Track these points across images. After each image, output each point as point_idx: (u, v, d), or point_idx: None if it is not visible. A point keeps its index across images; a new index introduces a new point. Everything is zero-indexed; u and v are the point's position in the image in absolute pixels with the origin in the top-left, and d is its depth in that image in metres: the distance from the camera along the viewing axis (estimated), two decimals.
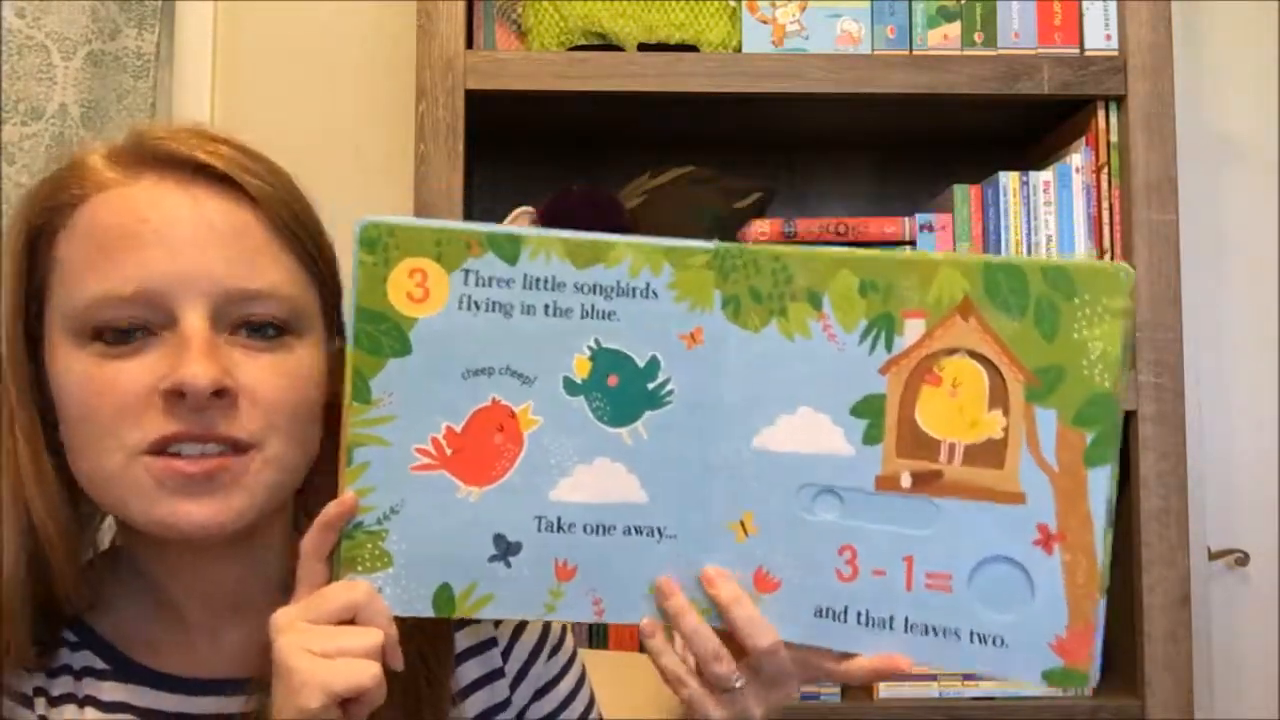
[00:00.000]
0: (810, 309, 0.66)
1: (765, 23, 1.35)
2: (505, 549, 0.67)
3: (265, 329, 0.69)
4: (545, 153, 1.56)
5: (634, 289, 0.66)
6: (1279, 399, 1.66)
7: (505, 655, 0.80)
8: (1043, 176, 1.34)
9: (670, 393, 0.67)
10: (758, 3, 1.35)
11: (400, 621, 0.68)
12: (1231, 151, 1.67)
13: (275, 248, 0.70)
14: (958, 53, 1.35)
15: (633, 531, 0.67)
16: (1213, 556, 1.62)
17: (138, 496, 0.66)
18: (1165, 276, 1.30)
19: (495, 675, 0.80)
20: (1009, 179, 1.34)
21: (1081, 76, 1.33)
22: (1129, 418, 1.30)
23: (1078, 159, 1.34)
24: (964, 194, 1.35)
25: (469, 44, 1.34)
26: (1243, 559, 1.63)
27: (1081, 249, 1.33)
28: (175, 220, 0.67)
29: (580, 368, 0.66)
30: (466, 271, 0.65)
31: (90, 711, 0.72)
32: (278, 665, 0.63)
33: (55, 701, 0.72)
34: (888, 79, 1.32)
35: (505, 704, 0.80)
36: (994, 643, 0.65)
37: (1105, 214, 1.34)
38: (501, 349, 0.66)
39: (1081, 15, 1.35)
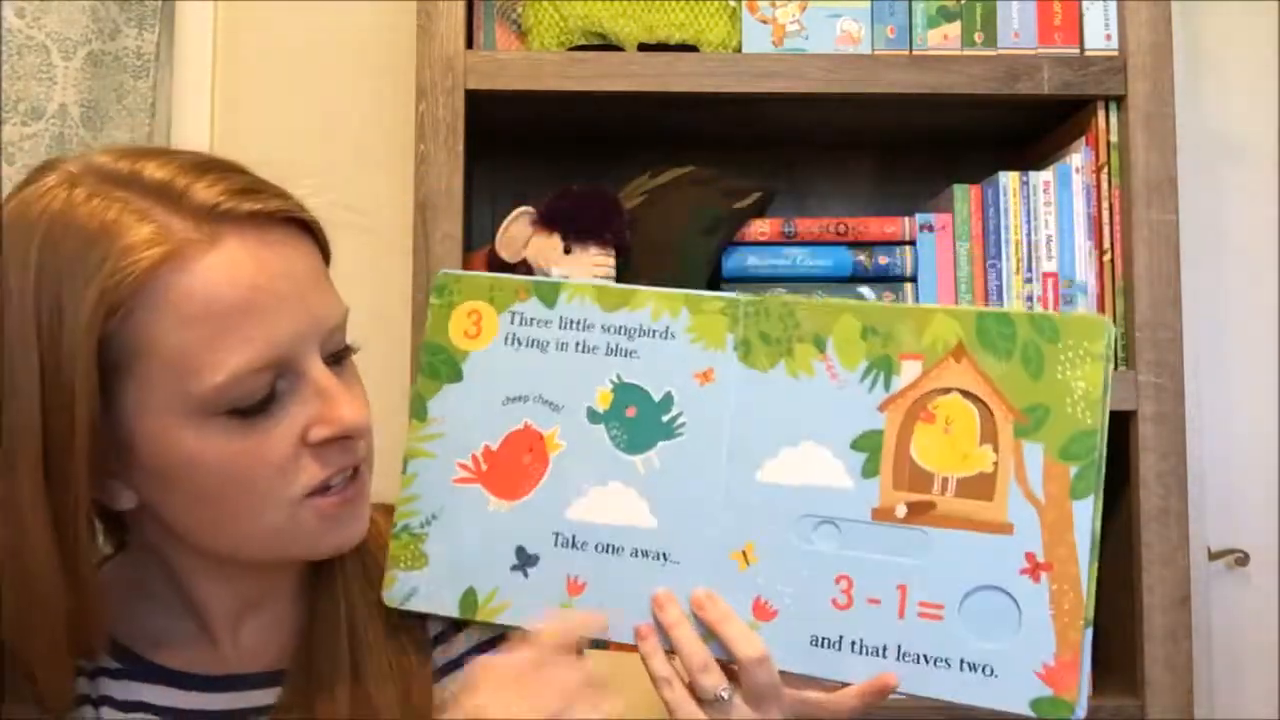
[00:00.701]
0: (815, 351, 0.71)
1: (765, 23, 1.35)
2: (525, 560, 0.74)
3: (346, 355, 0.72)
4: (545, 153, 1.56)
5: (654, 330, 0.73)
6: (1279, 399, 1.66)
7: None
8: (1043, 176, 1.34)
9: (683, 426, 0.72)
10: (758, 3, 1.35)
11: (388, 615, 0.75)
12: (1231, 151, 1.67)
13: (327, 273, 0.73)
14: (958, 53, 1.35)
15: (639, 554, 0.72)
16: (1213, 556, 1.62)
17: (305, 536, 0.70)
18: (1165, 276, 1.30)
19: (489, 643, 0.80)
20: (1009, 179, 1.34)
21: (1081, 76, 1.33)
22: (1129, 417, 1.29)
23: (1078, 159, 1.34)
24: (964, 194, 1.35)
25: (469, 44, 1.34)
26: (1243, 559, 1.63)
27: (1081, 249, 1.33)
28: (277, 278, 0.67)
29: (603, 399, 0.74)
30: (513, 313, 0.76)
31: (107, 711, 0.72)
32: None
33: (73, 703, 0.72)
34: (888, 79, 1.32)
35: None
36: (984, 671, 0.67)
37: (1105, 214, 1.33)
38: (536, 380, 0.75)
39: (1081, 15, 1.35)
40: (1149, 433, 1.28)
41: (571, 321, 0.75)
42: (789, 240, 1.34)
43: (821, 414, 0.70)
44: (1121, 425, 1.31)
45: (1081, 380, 0.66)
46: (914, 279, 1.34)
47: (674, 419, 0.72)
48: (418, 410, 0.76)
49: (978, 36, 1.36)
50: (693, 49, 1.35)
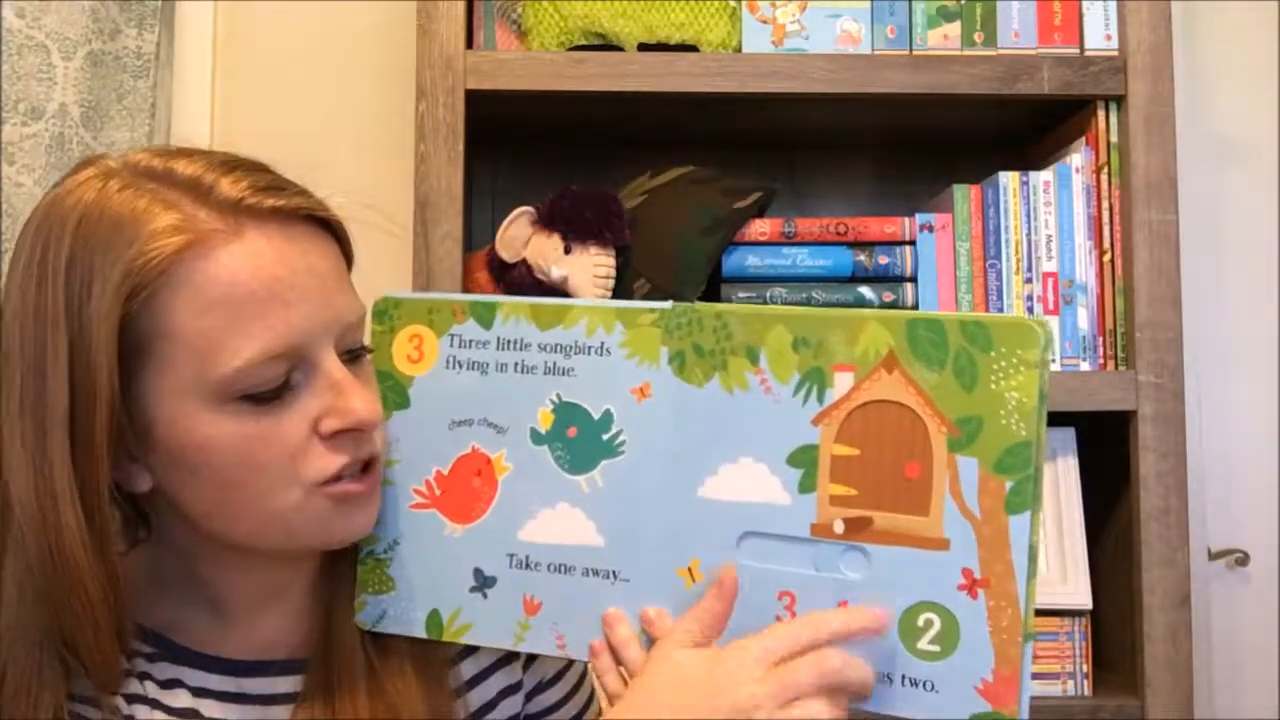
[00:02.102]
0: (748, 363, 0.70)
1: (765, 23, 1.35)
2: (483, 581, 0.75)
3: (362, 352, 0.74)
4: (545, 153, 1.56)
5: (589, 347, 0.73)
6: (1279, 399, 1.66)
7: (525, 668, 0.84)
8: (1043, 176, 1.34)
9: (623, 444, 0.72)
10: (758, 3, 1.35)
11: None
12: (1231, 151, 1.67)
13: (348, 274, 0.75)
14: (958, 53, 1.35)
15: (590, 573, 0.73)
16: (1213, 556, 1.62)
17: (317, 523, 0.71)
18: (1165, 276, 1.30)
19: (515, 688, 0.83)
20: (1009, 179, 1.34)
21: (1081, 76, 1.33)
22: (1129, 418, 1.30)
23: (1078, 159, 1.34)
24: (964, 194, 1.35)
25: (469, 44, 1.34)
26: (1243, 559, 1.63)
27: (1081, 249, 1.33)
28: (297, 271, 0.69)
29: (544, 419, 0.74)
30: (452, 335, 0.75)
31: (150, 686, 0.74)
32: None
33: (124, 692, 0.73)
34: (888, 79, 1.32)
35: (517, 685, 0.83)
36: (924, 686, 0.66)
37: (1105, 214, 1.34)
38: (479, 403, 0.75)
39: (1081, 15, 1.35)
40: (1149, 433, 1.28)
41: (508, 342, 0.74)
42: (789, 240, 1.35)
43: (757, 429, 0.69)
44: (1121, 425, 1.31)
45: (1015, 390, 0.64)
46: (914, 279, 1.34)
47: (614, 437, 0.72)
48: None
49: (978, 36, 1.36)
50: (693, 49, 1.35)
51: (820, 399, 0.68)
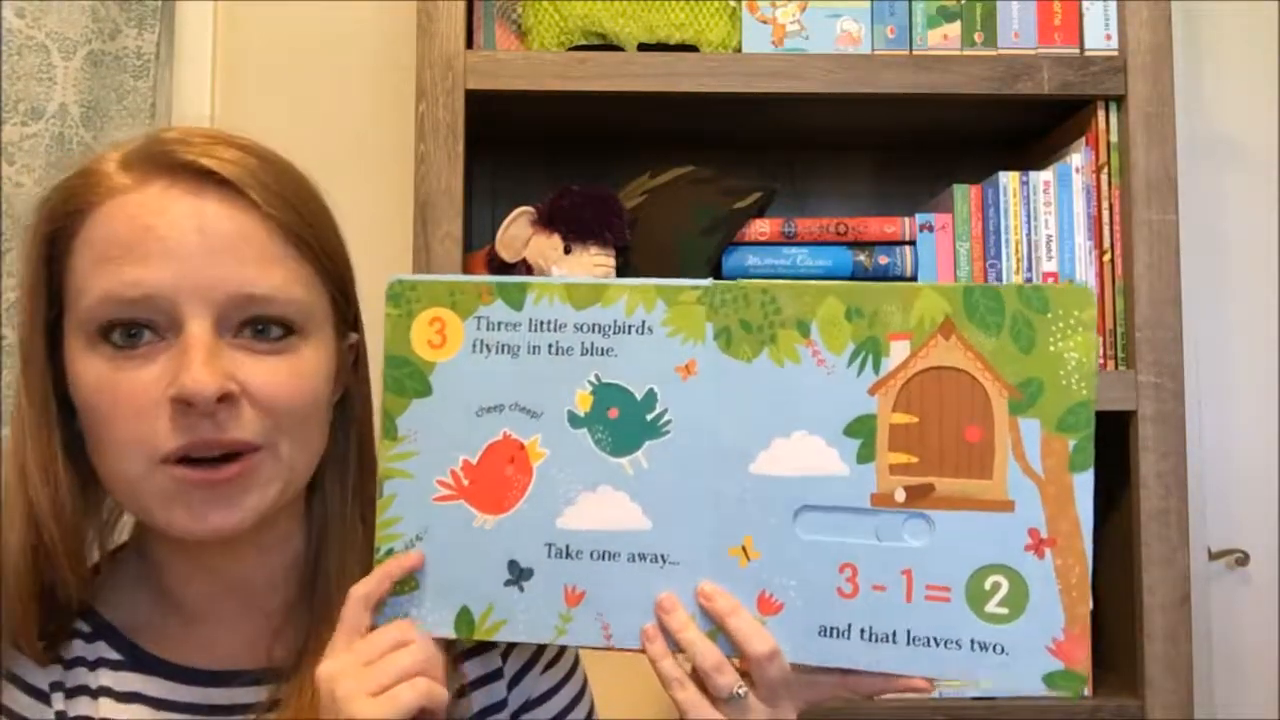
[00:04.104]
0: (799, 336, 0.69)
1: (765, 23, 1.35)
2: (518, 574, 0.71)
3: (270, 330, 0.70)
4: (545, 153, 1.56)
5: (630, 326, 0.71)
6: (1279, 399, 1.66)
7: (504, 656, 0.82)
8: (1043, 176, 1.34)
9: (669, 423, 0.70)
10: (758, 3, 1.35)
11: None
12: (1231, 151, 1.67)
13: (280, 251, 0.71)
14: (958, 53, 1.35)
15: (636, 558, 0.70)
16: (1213, 556, 1.62)
17: (160, 503, 0.68)
18: (1165, 276, 1.30)
19: (494, 675, 0.81)
20: (1009, 179, 1.34)
21: (1081, 76, 1.33)
22: (1129, 418, 1.29)
23: (1078, 159, 1.34)
24: (964, 194, 1.35)
25: (469, 44, 1.34)
26: (1243, 559, 1.63)
27: (1081, 249, 1.33)
28: (180, 227, 0.68)
29: (582, 402, 0.71)
30: (478, 318, 0.72)
31: (105, 702, 0.73)
32: (342, 714, 0.64)
33: (71, 694, 0.73)
34: (888, 79, 1.32)
35: (502, 704, 0.81)
36: (995, 650, 0.66)
37: (1105, 214, 1.34)
38: (510, 387, 0.72)
39: (1081, 15, 1.35)
40: (1149, 433, 1.28)
41: (542, 323, 0.72)
42: (789, 240, 1.35)
43: (811, 402, 0.69)
44: (1121, 425, 1.31)
45: (1074, 351, 0.66)
46: (914, 279, 1.34)
47: (659, 416, 0.70)
48: (387, 429, 0.72)
49: (978, 36, 1.36)
50: (693, 49, 1.35)
51: (876, 368, 0.68)
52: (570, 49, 1.34)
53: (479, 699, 0.80)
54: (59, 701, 0.73)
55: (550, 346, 0.71)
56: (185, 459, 0.67)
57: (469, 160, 1.34)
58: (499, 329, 0.72)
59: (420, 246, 1.28)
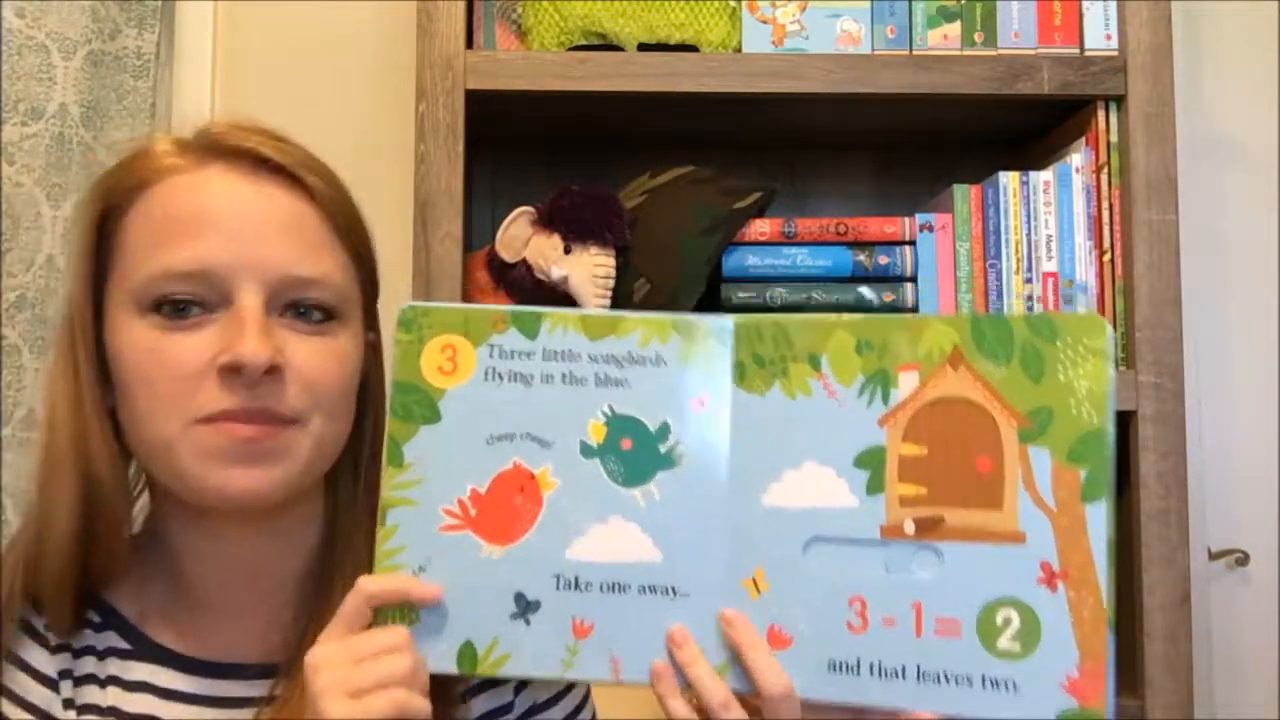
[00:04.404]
0: (810, 369, 0.69)
1: (765, 23, 1.35)
2: (525, 607, 0.70)
3: (312, 313, 0.73)
4: (545, 153, 1.56)
5: (644, 358, 0.71)
6: (1279, 399, 1.66)
7: (516, 690, 0.83)
8: (1043, 176, 1.34)
9: (681, 455, 0.70)
10: (758, 3, 1.35)
11: None
12: (1231, 151, 1.67)
13: (327, 239, 0.75)
14: (958, 53, 1.35)
15: (647, 590, 0.69)
16: (1213, 556, 1.62)
17: (193, 462, 0.70)
18: (1165, 276, 1.30)
19: (500, 678, 0.81)
20: (1009, 179, 1.34)
21: (1081, 76, 1.33)
22: (1129, 417, 1.29)
23: (1078, 159, 1.34)
24: (964, 194, 1.35)
25: (469, 44, 1.34)
26: (1243, 559, 1.63)
27: (1082, 249, 1.33)
28: (240, 208, 0.73)
29: (595, 432, 0.71)
30: (491, 346, 0.71)
31: (113, 691, 0.74)
32: (314, 706, 0.64)
33: (79, 682, 0.74)
34: (888, 79, 1.32)
35: (508, 707, 0.81)
36: (1006, 687, 0.64)
37: (1105, 214, 1.34)
38: (522, 416, 0.71)
39: (1081, 15, 1.35)
40: (1149, 433, 1.28)
41: (556, 352, 0.71)
42: (789, 240, 1.34)
43: (821, 433, 0.68)
44: (1121, 425, 1.31)
45: (1085, 379, 0.64)
46: (914, 279, 1.34)
47: (672, 448, 0.70)
48: (393, 456, 0.70)
49: (978, 36, 1.36)
50: (693, 49, 1.35)
51: (885, 400, 0.68)
52: (570, 49, 1.34)
53: (483, 701, 0.80)
54: (67, 689, 0.74)
55: (564, 376, 0.71)
56: (222, 421, 0.70)
57: (469, 160, 1.34)
58: (512, 357, 0.71)
59: (420, 246, 1.28)
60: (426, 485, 0.70)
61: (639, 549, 0.70)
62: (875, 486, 0.67)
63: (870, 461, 0.68)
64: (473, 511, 0.70)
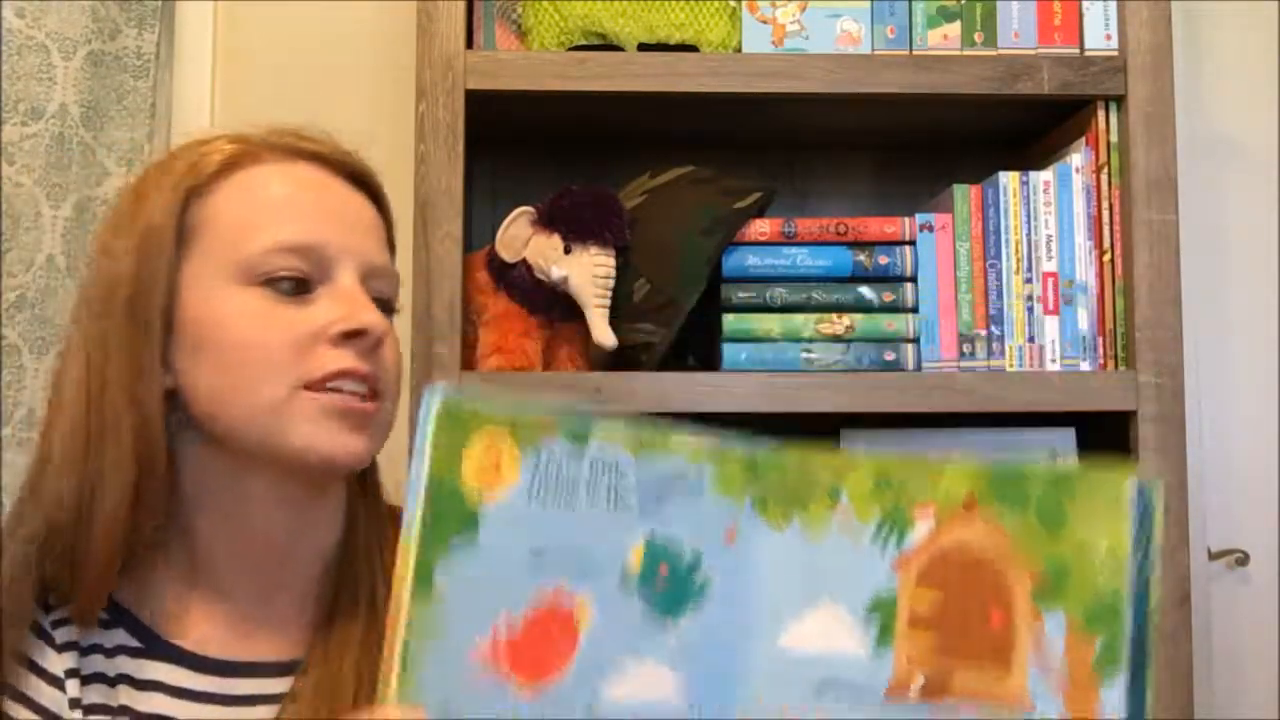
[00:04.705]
0: (829, 504, 0.66)
1: (765, 23, 1.35)
2: None
3: (382, 303, 0.79)
4: (545, 153, 1.56)
5: (685, 483, 0.67)
6: (1279, 399, 1.66)
7: None
8: (1043, 176, 1.34)
9: (711, 589, 0.67)
10: (758, 3, 1.35)
11: None
12: (1231, 151, 1.67)
13: (386, 245, 0.83)
14: (958, 53, 1.35)
15: None
16: (1213, 556, 1.62)
17: (300, 425, 0.73)
18: (1165, 276, 1.30)
19: None
20: (1009, 179, 1.34)
21: (1081, 76, 1.33)
22: (1129, 418, 1.29)
23: (1078, 159, 1.34)
24: (964, 194, 1.35)
25: (469, 44, 1.34)
26: (1243, 559, 1.63)
27: (1082, 249, 1.33)
28: (334, 197, 0.79)
29: (635, 559, 0.66)
30: (539, 453, 0.63)
31: (124, 689, 0.74)
32: None
33: (87, 681, 0.74)
34: (888, 79, 1.32)
35: None
36: None
37: (1105, 214, 1.34)
38: (565, 538, 0.64)
39: (1081, 15, 1.35)
40: (1149, 433, 1.28)
41: (604, 466, 0.65)
42: (789, 240, 1.35)
43: (838, 572, 0.65)
44: (1121, 425, 1.31)
45: (1105, 538, 0.59)
46: (914, 279, 1.34)
47: (703, 583, 0.67)
48: (421, 578, 0.60)
49: (978, 36, 1.36)
50: (693, 49, 1.35)
51: (900, 542, 0.64)
52: (570, 49, 1.34)
53: None
54: (74, 689, 0.74)
55: (609, 495, 0.65)
56: (325, 388, 0.73)
57: (469, 160, 1.34)
58: (559, 470, 0.64)
59: (420, 246, 1.28)
60: (457, 615, 0.61)
61: (666, 689, 0.66)
62: (885, 639, 0.64)
63: (882, 609, 0.64)
64: (505, 645, 0.62)
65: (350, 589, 0.77)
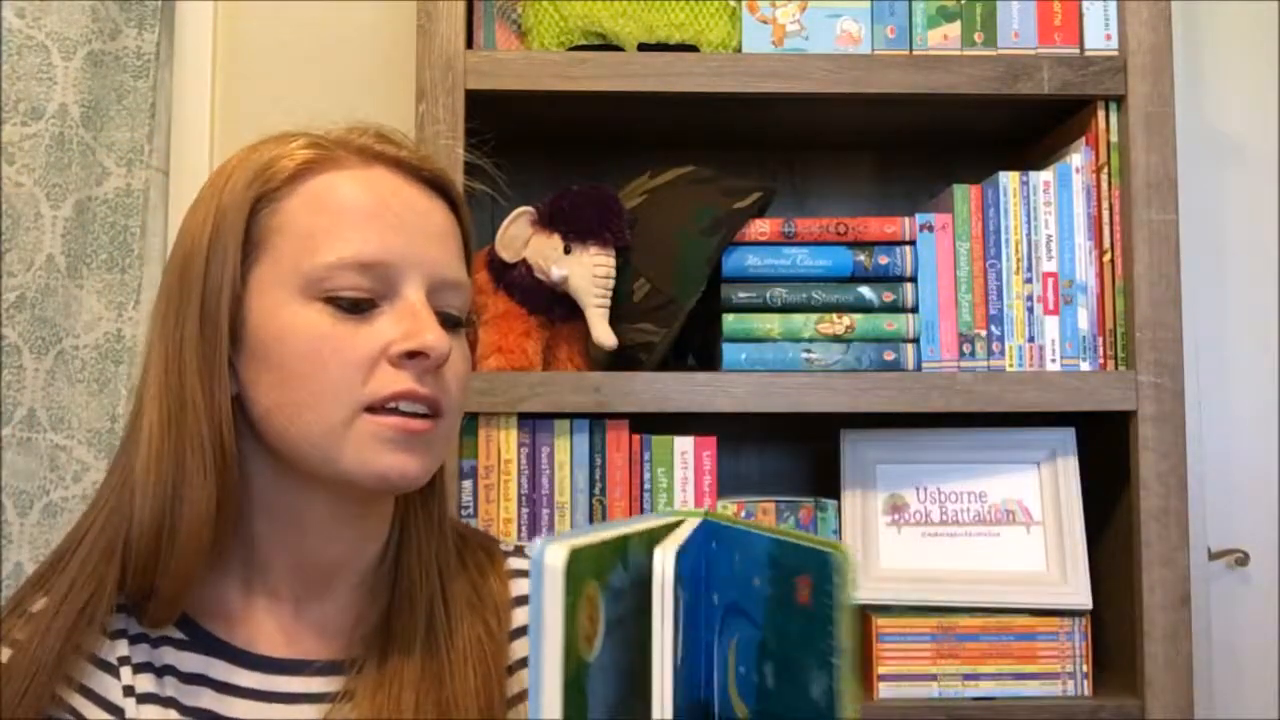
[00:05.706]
0: None
1: (765, 23, 1.35)
2: None
3: (448, 318, 0.77)
4: (545, 153, 1.56)
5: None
6: (1279, 399, 1.66)
7: None
8: (1043, 176, 1.34)
9: None
10: (758, 3, 1.35)
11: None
12: (1231, 151, 1.67)
13: (461, 253, 0.80)
14: (958, 53, 1.35)
15: None
16: (1213, 556, 1.62)
17: (359, 448, 0.72)
18: (1165, 276, 1.30)
19: None
20: (1009, 179, 1.34)
21: (1081, 76, 1.33)
22: (1129, 418, 1.29)
23: (1078, 159, 1.34)
24: (964, 194, 1.35)
25: (469, 44, 1.34)
26: (1243, 559, 1.63)
27: (1082, 249, 1.33)
28: (408, 207, 0.76)
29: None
30: (609, 590, 0.55)
31: (170, 681, 0.75)
32: None
33: (138, 669, 0.75)
34: (888, 79, 1.32)
35: None
36: None
37: (1105, 214, 1.34)
38: (620, 680, 0.55)
39: (1081, 15, 1.35)
40: (1149, 433, 1.29)
41: (638, 585, 0.56)
42: (789, 240, 1.35)
43: None
44: (1121, 425, 1.31)
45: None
46: (914, 279, 1.34)
47: None
48: None
49: (978, 36, 1.36)
50: (693, 49, 1.35)
51: None
52: (570, 49, 1.34)
53: None
54: (126, 675, 0.75)
55: (637, 618, 0.56)
56: (384, 409, 0.72)
57: (468, 160, 1.34)
58: (617, 603, 0.55)
59: None
60: None
61: None
62: None
63: None
64: None
65: (408, 598, 0.78)
